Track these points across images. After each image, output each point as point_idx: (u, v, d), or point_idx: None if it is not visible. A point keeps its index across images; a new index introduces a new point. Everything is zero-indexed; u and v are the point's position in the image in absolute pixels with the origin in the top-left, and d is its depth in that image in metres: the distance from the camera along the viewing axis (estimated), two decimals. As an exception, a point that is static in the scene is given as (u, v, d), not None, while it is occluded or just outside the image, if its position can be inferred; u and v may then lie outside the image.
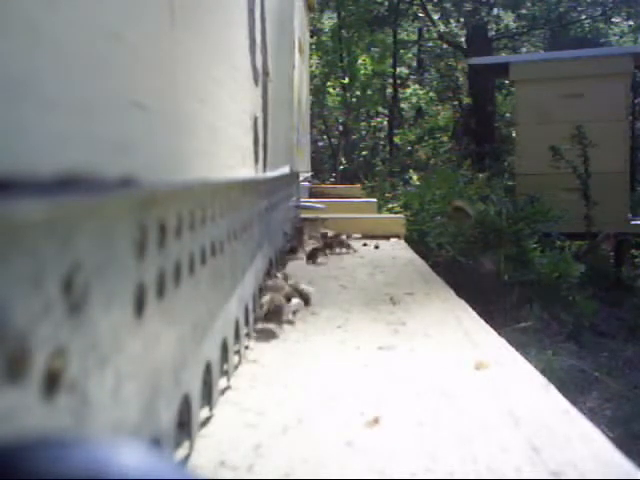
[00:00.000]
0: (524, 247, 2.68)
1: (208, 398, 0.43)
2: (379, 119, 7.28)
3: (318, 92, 6.49)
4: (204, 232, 0.41)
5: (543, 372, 0.53)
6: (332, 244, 1.10)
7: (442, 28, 6.81)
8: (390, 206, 3.44)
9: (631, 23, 7.14)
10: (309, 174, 2.55)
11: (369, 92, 6.66)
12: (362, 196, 2.80)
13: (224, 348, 0.49)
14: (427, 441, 0.39)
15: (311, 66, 5.24)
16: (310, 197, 2.23)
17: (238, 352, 0.57)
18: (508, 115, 6.60)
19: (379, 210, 2.70)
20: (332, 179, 6.35)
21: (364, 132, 7.33)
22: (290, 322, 0.67)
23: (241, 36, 0.61)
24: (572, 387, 1.83)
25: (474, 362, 0.54)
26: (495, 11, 6.92)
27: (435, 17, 6.93)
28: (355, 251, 1.22)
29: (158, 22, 0.32)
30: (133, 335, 0.27)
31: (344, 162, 6.73)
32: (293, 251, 1.18)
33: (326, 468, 0.36)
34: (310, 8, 2.32)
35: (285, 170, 1.14)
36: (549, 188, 3.21)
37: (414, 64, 7.79)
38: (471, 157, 5.01)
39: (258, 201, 0.75)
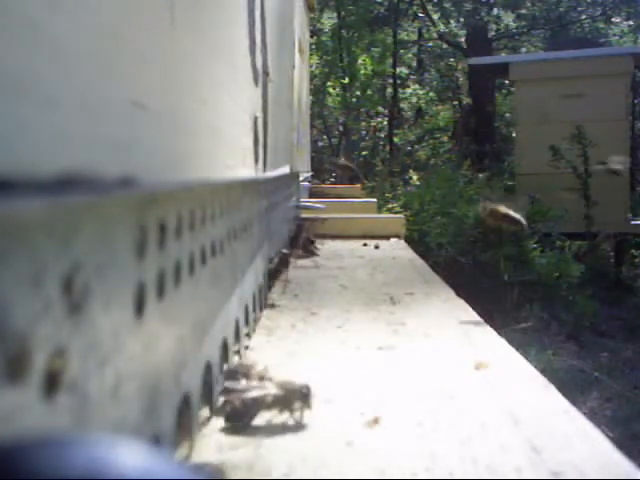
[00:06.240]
0: (524, 247, 2.67)
1: (208, 398, 0.43)
2: (379, 119, 7.28)
3: (318, 92, 6.49)
4: (204, 232, 0.41)
5: (543, 372, 0.53)
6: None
7: (442, 28, 6.81)
8: (390, 206, 3.44)
9: (631, 23, 7.12)
10: (309, 174, 2.55)
11: (369, 92, 6.66)
12: (362, 196, 2.80)
13: (224, 348, 0.49)
14: (427, 441, 0.39)
15: (311, 66, 5.24)
16: (310, 197, 2.23)
17: (238, 352, 0.57)
18: (508, 115, 6.59)
19: (379, 210, 2.70)
20: (332, 179, 6.35)
21: (364, 132, 7.33)
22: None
23: (241, 36, 0.61)
24: (572, 387, 1.83)
25: (474, 362, 0.54)
26: (495, 11, 6.91)
27: (435, 17, 6.92)
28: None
29: (158, 22, 0.32)
30: (133, 335, 0.27)
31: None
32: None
33: (326, 468, 0.36)
34: (310, 8, 2.32)
35: (285, 170, 1.14)
36: (549, 188, 3.21)
37: (414, 64, 7.78)
38: (471, 157, 5.01)
39: (258, 201, 0.75)
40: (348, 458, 0.37)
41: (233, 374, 0.45)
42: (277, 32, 0.97)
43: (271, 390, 0.42)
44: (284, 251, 1.06)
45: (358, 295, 0.89)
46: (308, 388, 0.42)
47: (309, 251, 1.23)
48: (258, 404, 0.41)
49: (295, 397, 0.41)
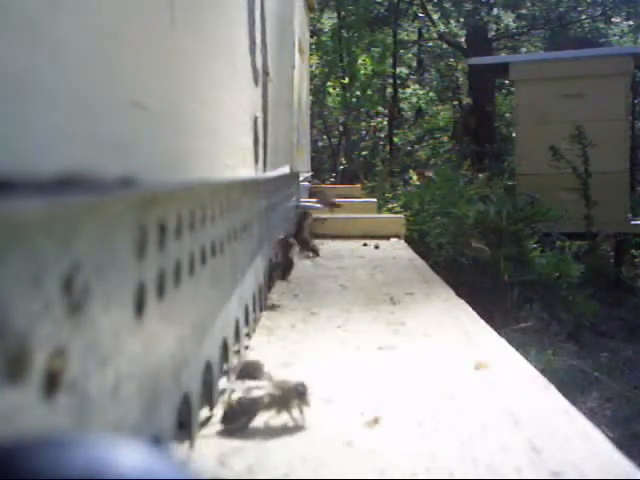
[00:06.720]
0: (524, 247, 2.67)
1: (208, 398, 0.43)
2: (379, 119, 7.27)
3: (318, 92, 6.48)
4: (204, 232, 0.41)
5: (543, 372, 0.53)
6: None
7: (442, 28, 6.80)
8: (390, 206, 3.44)
9: (631, 23, 7.11)
10: (309, 174, 2.55)
11: (369, 92, 6.66)
12: (362, 196, 2.80)
13: (224, 348, 0.49)
14: (427, 441, 0.39)
15: (311, 66, 5.23)
16: (310, 197, 2.23)
17: (238, 352, 0.57)
18: (508, 115, 6.59)
19: (379, 210, 2.70)
20: (332, 179, 6.34)
21: (364, 132, 7.32)
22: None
23: (241, 36, 0.61)
24: (572, 387, 1.82)
25: (474, 362, 0.54)
26: (495, 11, 6.90)
27: (435, 17, 6.92)
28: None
29: (158, 22, 0.32)
30: (133, 335, 0.27)
31: (344, 162, 6.72)
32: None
33: (326, 468, 0.36)
34: (310, 8, 2.32)
35: (285, 170, 1.14)
36: (549, 188, 3.21)
37: (414, 64, 7.77)
38: (471, 157, 5.01)
39: (258, 201, 0.75)
40: (348, 458, 0.37)
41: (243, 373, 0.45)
42: (277, 32, 0.97)
43: (267, 391, 0.42)
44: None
45: (358, 295, 0.89)
46: (304, 386, 0.42)
47: (311, 249, 1.22)
48: (256, 405, 0.41)
49: (292, 396, 0.41)
